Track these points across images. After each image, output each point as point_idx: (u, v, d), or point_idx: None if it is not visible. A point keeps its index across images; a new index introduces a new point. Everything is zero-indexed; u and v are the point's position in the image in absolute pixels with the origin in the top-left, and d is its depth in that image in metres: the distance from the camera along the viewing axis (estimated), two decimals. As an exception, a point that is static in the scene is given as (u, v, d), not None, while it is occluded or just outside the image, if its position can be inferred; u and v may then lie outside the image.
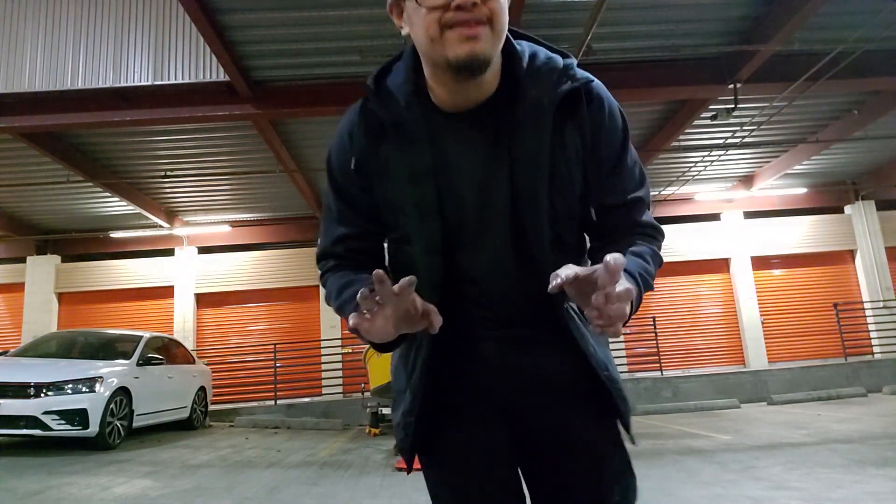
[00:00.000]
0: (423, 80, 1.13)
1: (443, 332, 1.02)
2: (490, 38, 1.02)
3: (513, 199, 1.12)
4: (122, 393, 7.43)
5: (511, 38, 1.12)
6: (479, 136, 1.13)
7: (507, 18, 1.06)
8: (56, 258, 13.56)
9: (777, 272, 13.82)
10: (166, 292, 13.46)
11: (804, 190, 13.28)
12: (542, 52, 1.15)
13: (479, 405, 1.20)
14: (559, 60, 1.13)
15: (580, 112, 1.12)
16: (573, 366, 1.16)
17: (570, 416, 1.19)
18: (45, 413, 6.58)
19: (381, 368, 9.10)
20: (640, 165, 1.23)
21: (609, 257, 0.86)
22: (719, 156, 11.04)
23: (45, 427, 6.58)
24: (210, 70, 7.49)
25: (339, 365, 12.68)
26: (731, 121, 8.71)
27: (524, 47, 1.15)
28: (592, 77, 1.14)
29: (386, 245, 1.25)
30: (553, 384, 1.19)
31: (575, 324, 1.15)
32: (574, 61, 1.14)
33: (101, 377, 7.15)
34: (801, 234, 13.77)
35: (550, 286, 0.92)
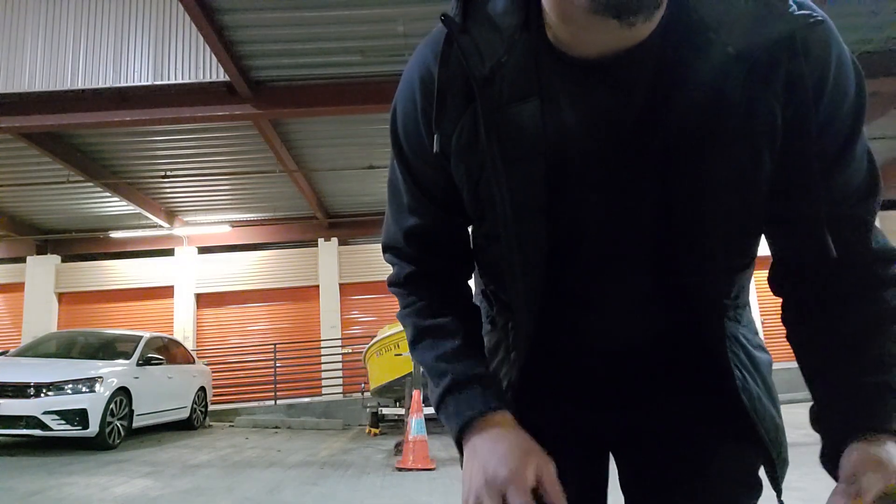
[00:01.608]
0: (539, 7, 0.73)
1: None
2: None
3: (663, 202, 0.76)
4: (122, 393, 7.44)
5: None
6: (621, 102, 0.73)
7: None
8: (56, 258, 13.56)
9: (777, 272, 13.81)
10: (166, 292, 13.47)
11: (804, 190, 13.28)
12: None
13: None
14: None
15: (793, 69, 0.69)
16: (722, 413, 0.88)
17: (706, 445, 0.91)
18: (45, 413, 6.59)
19: (381, 368, 9.11)
20: (873, 161, 0.82)
21: None
22: (719, 156, 11.04)
23: (45, 427, 6.58)
24: (210, 70, 7.49)
25: (339, 365, 12.69)
26: (731, 121, 8.71)
27: None
28: (822, 15, 0.69)
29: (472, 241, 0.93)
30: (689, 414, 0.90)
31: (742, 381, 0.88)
32: None
33: (100, 377, 7.16)
34: (800, 235, 13.77)
35: None
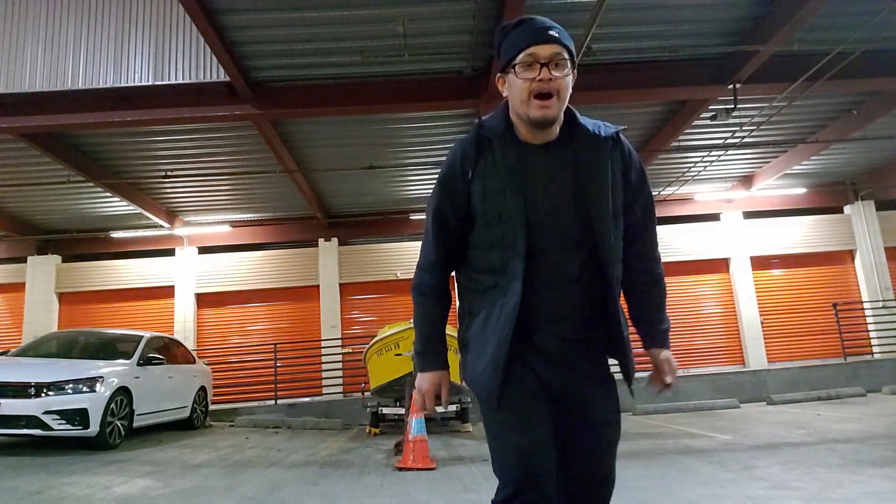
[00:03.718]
0: (513, 124, 1.73)
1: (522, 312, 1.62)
2: (556, 105, 1.65)
3: (576, 191, 1.67)
4: (123, 393, 7.44)
5: None
6: (552, 158, 1.70)
7: (570, 90, 1.67)
8: (57, 258, 13.57)
9: (776, 272, 13.82)
10: (167, 292, 13.47)
11: (803, 190, 13.29)
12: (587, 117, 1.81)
13: (536, 382, 1.68)
14: (597, 120, 1.80)
15: (620, 146, 1.76)
16: (602, 359, 1.80)
17: (598, 398, 1.74)
18: (46, 413, 6.59)
19: (381, 368, 9.12)
20: (653, 202, 1.87)
21: (669, 378, 1.84)
22: (719, 156, 11.05)
23: (45, 427, 6.58)
24: (210, 70, 7.50)
25: (340, 365, 12.69)
26: (731, 121, 8.72)
27: (576, 112, 1.78)
28: (620, 128, 1.78)
29: (472, 236, 1.75)
30: (591, 375, 1.75)
31: (623, 330, 1.74)
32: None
33: (101, 377, 7.16)
34: (800, 235, 13.78)
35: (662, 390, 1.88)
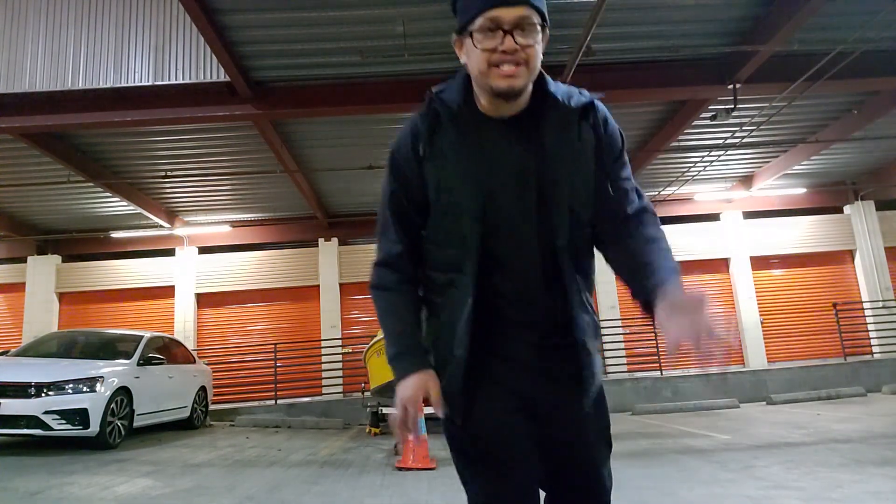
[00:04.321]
0: (472, 94, 1.46)
1: (478, 324, 1.40)
2: (525, 75, 1.37)
3: (539, 183, 1.41)
4: (123, 392, 7.44)
5: None
6: (516, 134, 1.43)
7: (540, 58, 1.39)
8: (57, 258, 13.57)
9: (776, 272, 13.83)
10: (167, 292, 13.47)
11: (803, 190, 13.29)
12: (560, 84, 1.53)
13: (509, 393, 1.45)
14: (572, 87, 1.52)
15: (593, 117, 1.47)
16: (576, 366, 1.46)
17: (578, 414, 1.47)
18: (46, 413, 6.59)
19: (381, 368, 9.11)
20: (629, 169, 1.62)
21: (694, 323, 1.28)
22: (719, 156, 11.05)
23: (45, 427, 6.58)
24: (210, 70, 7.50)
25: (340, 365, 12.69)
26: (731, 121, 8.72)
27: (548, 77, 1.49)
28: (598, 95, 1.51)
29: (427, 226, 1.51)
30: (564, 382, 1.46)
31: (580, 335, 1.44)
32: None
33: (101, 377, 7.16)
34: (800, 234, 13.79)
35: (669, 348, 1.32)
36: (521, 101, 1.42)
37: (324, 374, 12.56)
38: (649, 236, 1.47)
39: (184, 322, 13.22)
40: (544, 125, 1.43)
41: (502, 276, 1.43)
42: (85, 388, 6.91)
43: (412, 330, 1.49)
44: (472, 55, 1.39)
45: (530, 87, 1.42)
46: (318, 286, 13.39)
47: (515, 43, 1.33)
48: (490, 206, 1.40)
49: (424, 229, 1.50)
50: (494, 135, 1.43)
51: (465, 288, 1.40)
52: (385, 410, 9.26)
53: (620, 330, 12.93)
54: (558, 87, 1.47)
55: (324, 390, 12.46)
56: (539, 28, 1.37)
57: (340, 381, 12.55)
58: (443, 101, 1.44)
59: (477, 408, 1.42)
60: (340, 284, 13.41)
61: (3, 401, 6.52)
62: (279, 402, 11.91)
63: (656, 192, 12.49)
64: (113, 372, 7.49)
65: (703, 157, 10.98)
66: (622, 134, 1.54)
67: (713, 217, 13.80)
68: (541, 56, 1.38)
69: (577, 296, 1.42)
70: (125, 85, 7.54)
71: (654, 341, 12.46)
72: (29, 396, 6.63)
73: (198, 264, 13.54)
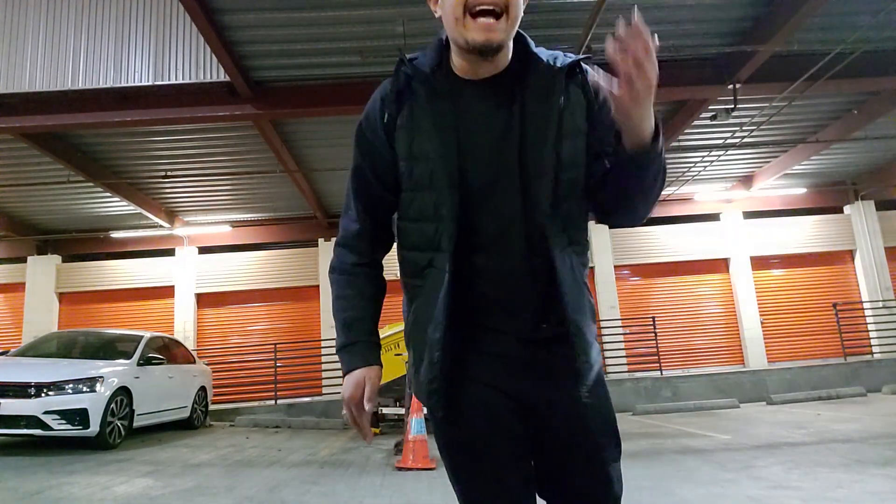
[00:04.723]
0: (449, 56, 1.34)
1: (457, 314, 1.26)
2: (504, 27, 1.23)
3: (521, 149, 1.27)
4: (123, 393, 7.44)
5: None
6: (496, 99, 1.30)
7: (522, 8, 1.26)
8: (57, 258, 13.57)
9: (776, 272, 13.82)
10: (167, 292, 13.47)
11: (804, 190, 13.29)
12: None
13: (493, 391, 1.31)
14: (556, 50, 1.39)
15: (581, 77, 1.32)
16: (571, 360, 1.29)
17: (582, 404, 1.30)
18: (46, 413, 6.59)
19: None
20: None
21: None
22: (719, 156, 11.05)
23: (45, 427, 6.58)
24: (210, 70, 7.50)
25: (339, 365, 12.67)
26: (731, 121, 8.72)
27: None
28: (582, 56, 1.37)
29: (400, 202, 1.36)
30: (557, 374, 1.31)
31: (573, 314, 1.27)
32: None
33: (101, 377, 7.16)
34: (800, 234, 13.78)
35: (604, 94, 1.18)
36: (500, 59, 1.29)
37: (324, 374, 12.56)
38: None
39: (184, 322, 13.21)
40: (526, 87, 1.30)
41: (486, 254, 1.28)
42: (85, 388, 6.91)
43: (362, 317, 1.37)
44: (445, 4, 1.25)
45: (510, 46, 1.30)
46: (318, 286, 13.38)
47: None
48: (468, 175, 1.26)
49: (394, 207, 1.37)
50: (471, 98, 1.30)
51: (442, 264, 1.25)
52: (385, 410, 9.26)
53: (620, 330, 12.94)
54: (541, 50, 1.35)
55: (324, 390, 12.45)
56: None
57: (340, 381, 12.49)
58: (413, 65, 1.32)
59: (455, 408, 1.29)
60: (340, 284, 13.39)
61: (3, 401, 6.52)
62: (279, 402, 11.91)
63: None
64: (113, 372, 7.49)
65: (703, 157, 10.98)
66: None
67: (713, 217, 13.79)
68: (522, 7, 1.26)
69: (569, 274, 1.26)
70: (125, 85, 7.54)
71: (654, 341, 12.47)
72: (29, 396, 6.63)
73: (198, 264, 13.53)
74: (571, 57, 1.33)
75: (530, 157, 1.26)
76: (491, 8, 1.21)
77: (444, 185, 1.26)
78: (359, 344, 1.37)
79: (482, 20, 1.21)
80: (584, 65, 1.33)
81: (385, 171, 1.35)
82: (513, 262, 1.27)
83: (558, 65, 1.30)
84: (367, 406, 1.32)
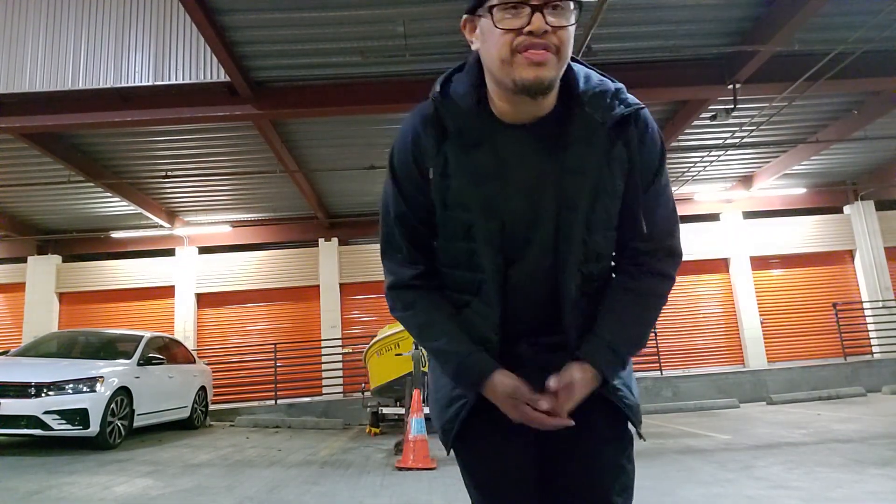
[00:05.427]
0: (485, 92, 1.22)
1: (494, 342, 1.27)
2: (555, 65, 1.14)
3: (558, 207, 1.22)
4: (123, 392, 7.44)
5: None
6: (536, 146, 1.22)
7: (572, 46, 1.16)
8: (57, 258, 13.56)
9: (776, 272, 13.82)
10: (167, 292, 13.47)
11: (803, 190, 13.29)
12: (595, 76, 1.27)
13: (513, 435, 1.30)
14: (610, 84, 1.25)
15: (629, 132, 1.22)
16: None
17: (588, 422, 1.27)
18: (46, 413, 6.59)
19: (380, 368, 9.11)
20: (673, 203, 1.32)
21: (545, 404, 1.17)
22: (719, 156, 11.05)
23: (45, 427, 6.58)
24: (210, 70, 7.50)
25: (340, 365, 12.69)
26: (731, 121, 8.72)
27: (578, 69, 1.25)
28: (642, 104, 1.25)
29: (437, 244, 1.34)
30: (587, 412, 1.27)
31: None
32: (623, 87, 1.26)
33: (101, 377, 7.16)
34: (800, 234, 13.78)
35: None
36: (546, 101, 1.19)
37: (324, 375, 12.56)
38: (633, 286, 1.29)
39: (184, 322, 13.21)
40: (569, 136, 1.20)
41: (521, 303, 1.28)
42: (85, 388, 6.91)
43: (458, 332, 1.28)
44: (489, 39, 1.14)
45: (557, 85, 1.19)
46: (319, 286, 13.38)
47: (546, 23, 1.09)
48: (505, 229, 1.23)
49: (434, 236, 1.32)
50: (510, 144, 1.21)
51: (487, 318, 1.26)
52: (385, 410, 9.26)
53: (620, 330, 12.91)
54: (589, 83, 1.22)
55: (324, 390, 12.46)
56: (572, 6, 1.13)
57: (340, 381, 12.55)
58: (450, 106, 1.21)
59: (468, 451, 1.34)
60: (340, 284, 13.41)
61: (3, 401, 6.53)
62: (279, 402, 11.91)
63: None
64: (113, 372, 7.49)
65: (703, 157, 10.98)
66: (663, 148, 1.29)
67: (713, 217, 13.79)
68: (572, 44, 1.15)
69: (580, 314, 1.28)
70: (125, 85, 7.54)
71: (654, 341, 12.47)
72: (29, 396, 6.63)
73: (198, 264, 13.53)
74: (625, 103, 1.22)
75: (563, 219, 1.22)
76: (543, 47, 1.11)
77: (485, 243, 1.23)
78: (473, 355, 1.26)
79: (532, 52, 1.10)
80: (637, 115, 1.23)
81: (423, 214, 1.29)
82: (536, 309, 1.29)
83: (607, 117, 1.20)
84: (529, 398, 1.21)
